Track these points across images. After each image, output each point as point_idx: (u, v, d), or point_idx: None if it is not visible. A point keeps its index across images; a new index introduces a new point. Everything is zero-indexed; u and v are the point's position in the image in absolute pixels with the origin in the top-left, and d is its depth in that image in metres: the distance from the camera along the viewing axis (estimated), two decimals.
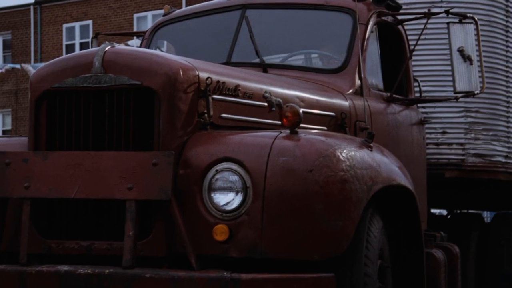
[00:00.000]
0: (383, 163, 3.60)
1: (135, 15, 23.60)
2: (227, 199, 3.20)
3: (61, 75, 3.48)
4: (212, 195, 3.22)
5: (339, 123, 4.13)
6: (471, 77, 4.78)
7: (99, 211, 3.36)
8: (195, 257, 3.17)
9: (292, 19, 4.88)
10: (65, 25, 25.17)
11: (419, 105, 5.33)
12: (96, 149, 3.38)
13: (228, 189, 3.20)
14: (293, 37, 4.87)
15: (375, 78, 4.73)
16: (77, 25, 24.71)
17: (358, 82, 4.44)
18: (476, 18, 4.88)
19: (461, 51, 4.72)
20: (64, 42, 24.96)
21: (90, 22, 24.44)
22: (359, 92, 4.40)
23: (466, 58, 4.73)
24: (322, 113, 4.09)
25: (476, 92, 4.81)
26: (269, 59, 4.70)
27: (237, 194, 3.19)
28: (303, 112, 3.41)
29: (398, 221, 3.91)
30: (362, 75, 4.43)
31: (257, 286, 3.03)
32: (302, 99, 3.98)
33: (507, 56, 6.08)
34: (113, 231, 3.30)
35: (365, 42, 4.58)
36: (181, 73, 3.41)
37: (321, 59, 4.95)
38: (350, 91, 4.41)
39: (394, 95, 4.77)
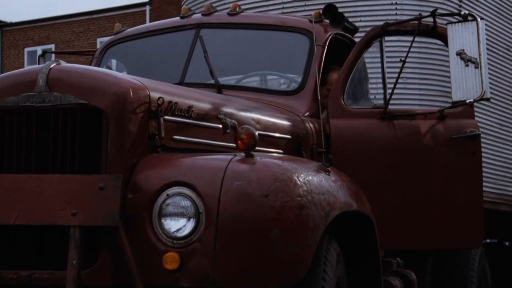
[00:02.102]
0: (341, 188, 3.50)
1: (98, 39, 23.26)
2: (178, 225, 3.04)
3: (1, 93, 3.29)
4: (163, 221, 3.06)
5: (296, 146, 4.02)
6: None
7: (41, 238, 3.16)
8: (144, 287, 3.00)
9: (248, 40, 4.78)
10: (26, 49, 24.74)
11: None
12: (39, 172, 3.19)
13: (180, 215, 3.04)
14: (249, 57, 4.76)
15: (365, 95, 4.59)
16: (39, 49, 24.08)
17: (315, 104, 4.34)
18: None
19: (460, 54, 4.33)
20: (26, 66, 24.40)
21: (52, 46, 24.00)
22: (316, 114, 4.30)
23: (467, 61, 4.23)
24: (278, 136, 3.97)
25: (468, 101, 4.28)
26: (224, 80, 4.57)
27: (189, 220, 3.03)
28: (259, 134, 3.30)
29: (356, 247, 3.81)
30: (334, 95, 4.28)
31: None
32: (257, 121, 3.86)
33: None
34: (56, 259, 3.10)
35: (322, 63, 4.49)
36: (131, 93, 3.25)
37: (277, 80, 4.85)
38: (307, 113, 4.31)
39: (390, 110, 4.40)
